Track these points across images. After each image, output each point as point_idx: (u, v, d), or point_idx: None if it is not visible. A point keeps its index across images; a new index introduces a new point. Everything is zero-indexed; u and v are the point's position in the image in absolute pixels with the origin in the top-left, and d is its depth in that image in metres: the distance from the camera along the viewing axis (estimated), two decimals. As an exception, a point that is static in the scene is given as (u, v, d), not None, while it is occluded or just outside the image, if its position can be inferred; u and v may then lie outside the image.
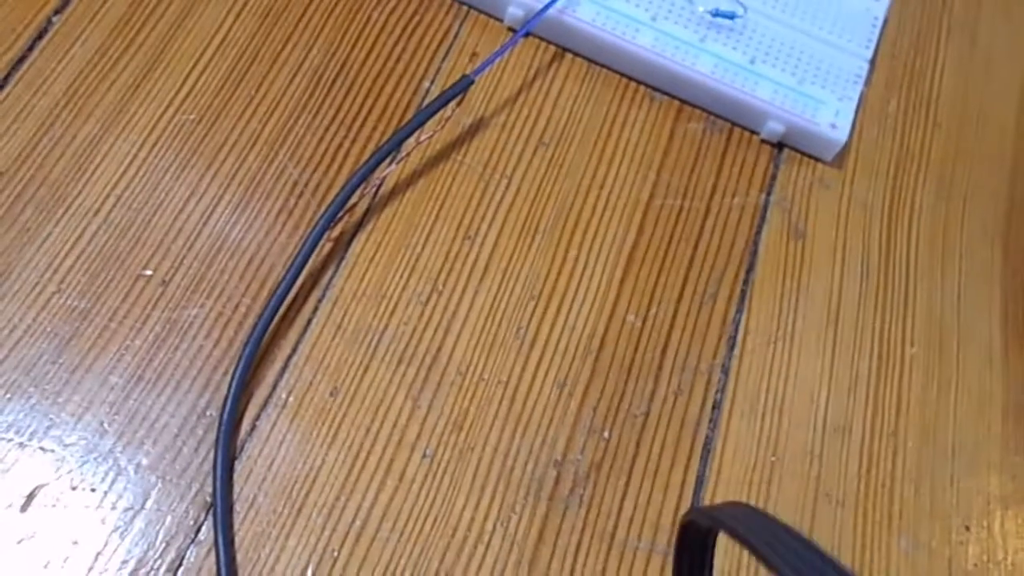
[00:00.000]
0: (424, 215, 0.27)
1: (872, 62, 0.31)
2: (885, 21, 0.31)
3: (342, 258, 0.26)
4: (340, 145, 0.28)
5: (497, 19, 0.30)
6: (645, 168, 0.29)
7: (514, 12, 0.30)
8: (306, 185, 0.27)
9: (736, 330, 0.27)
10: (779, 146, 0.30)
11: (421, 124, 0.27)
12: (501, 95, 0.30)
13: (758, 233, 0.29)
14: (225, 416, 0.23)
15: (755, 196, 0.29)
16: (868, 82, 0.31)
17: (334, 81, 0.29)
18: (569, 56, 0.30)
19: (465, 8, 0.31)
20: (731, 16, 0.29)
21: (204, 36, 0.28)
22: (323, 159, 0.27)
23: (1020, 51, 0.34)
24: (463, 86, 0.27)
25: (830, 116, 0.29)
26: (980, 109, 0.32)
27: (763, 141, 0.30)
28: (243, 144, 0.27)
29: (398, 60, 0.29)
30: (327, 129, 0.28)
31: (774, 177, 0.30)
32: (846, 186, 0.30)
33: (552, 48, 0.30)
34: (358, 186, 0.25)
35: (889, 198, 0.30)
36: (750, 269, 0.28)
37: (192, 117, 0.27)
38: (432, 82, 0.29)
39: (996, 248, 0.30)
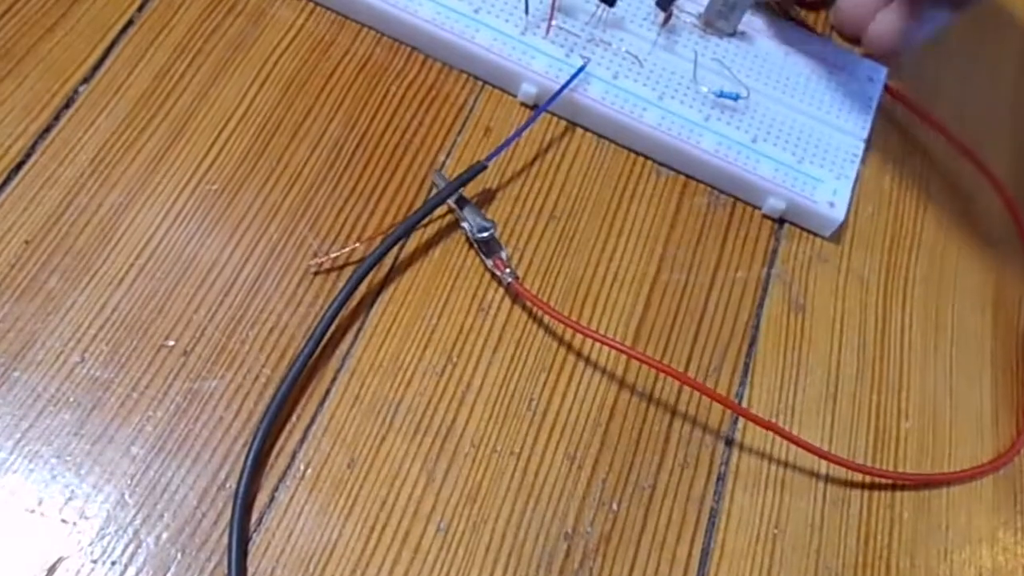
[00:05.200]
0: (439, 287, 0.28)
1: (868, 141, 0.32)
2: (880, 102, 0.33)
3: (360, 329, 0.27)
4: (359, 217, 0.28)
5: (511, 94, 0.31)
6: (652, 242, 0.30)
7: (527, 89, 0.31)
8: (326, 255, 0.27)
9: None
10: (780, 221, 0.31)
11: (431, 210, 0.28)
12: (514, 167, 0.30)
13: (760, 307, 0.30)
14: (240, 493, 0.24)
15: (757, 270, 0.30)
16: (864, 160, 0.32)
17: (353, 153, 0.29)
18: (580, 130, 0.31)
19: (480, 82, 0.32)
20: (734, 97, 0.31)
21: (228, 107, 0.29)
22: (342, 230, 0.28)
23: (1006, 127, 0.36)
24: (475, 172, 0.28)
25: (828, 194, 0.30)
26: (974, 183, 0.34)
27: (765, 216, 0.31)
28: (264, 215, 0.28)
29: (415, 133, 0.30)
30: (347, 200, 0.29)
31: (775, 251, 0.31)
32: (843, 260, 0.31)
33: (563, 122, 0.32)
34: (373, 266, 0.26)
35: (885, 272, 0.31)
36: (752, 343, 0.29)
37: (215, 187, 0.28)
38: (448, 155, 0.30)
39: (986, 320, 0.32)
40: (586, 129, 0.31)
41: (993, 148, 0.35)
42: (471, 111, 0.31)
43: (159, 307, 0.26)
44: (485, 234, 0.28)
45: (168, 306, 0.26)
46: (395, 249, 0.28)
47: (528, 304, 0.28)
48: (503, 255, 0.28)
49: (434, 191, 0.29)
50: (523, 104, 0.31)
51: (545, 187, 0.30)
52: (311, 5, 0.32)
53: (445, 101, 0.31)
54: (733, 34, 0.32)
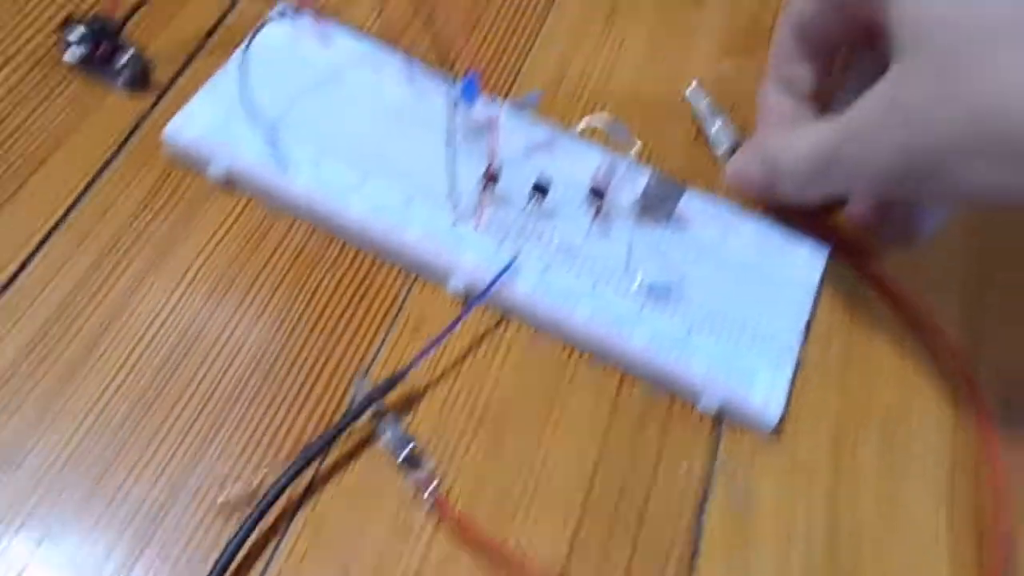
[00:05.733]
0: (359, 510, 0.27)
1: (808, 323, 0.31)
2: (820, 285, 0.32)
3: (268, 565, 0.25)
4: (276, 433, 0.27)
5: (442, 286, 0.31)
6: (588, 441, 0.29)
7: (456, 284, 0.30)
8: (238, 478, 0.26)
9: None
10: (718, 416, 0.30)
11: (340, 432, 0.27)
12: (444, 364, 0.30)
13: (702, 509, 0.28)
14: None
15: (699, 467, 0.29)
16: (807, 335, 0.31)
17: (275, 360, 0.29)
18: (514, 322, 0.31)
19: (413, 275, 0.31)
20: (668, 287, 0.30)
21: (149, 313, 0.29)
22: (256, 451, 0.27)
23: (956, 278, 0.35)
24: (393, 382, 0.27)
25: (763, 391, 0.29)
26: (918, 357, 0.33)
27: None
28: (175, 437, 0.27)
29: (343, 334, 0.30)
30: (263, 415, 0.28)
31: (716, 445, 0.29)
32: (788, 450, 0.30)
33: (497, 314, 0.31)
34: (282, 492, 0.25)
35: (833, 459, 0.30)
36: (695, 552, 0.27)
37: (123, 407, 0.27)
38: (375, 357, 0.29)
39: (941, 512, 0.29)
40: (518, 322, 0.31)
41: (945, 302, 0.34)
42: (402, 306, 0.31)
43: (60, 540, 0.25)
44: (406, 451, 0.27)
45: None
46: (312, 468, 0.27)
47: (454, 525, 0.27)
48: (427, 469, 0.27)
49: (359, 399, 0.28)
50: (453, 298, 0.31)
51: (476, 387, 0.29)
52: (244, 199, 0.32)
53: (376, 296, 0.31)
54: (668, 220, 0.32)
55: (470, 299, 0.30)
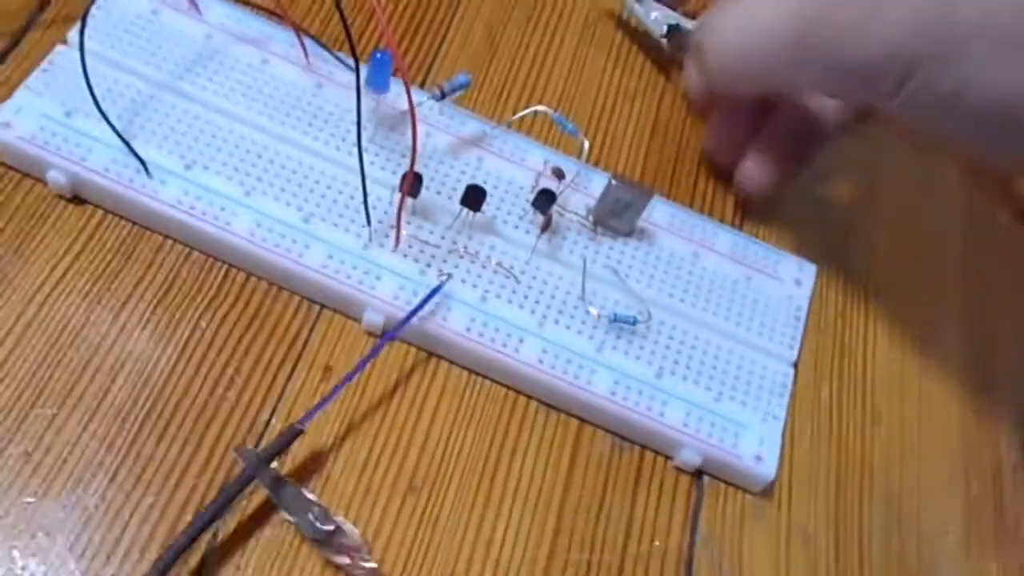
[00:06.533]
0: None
1: (797, 361, 0.27)
2: (808, 311, 0.27)
3: None
4: (141, 524, 0.21)
5: (355, 319, 0.25)
6: (543, 509, 0.23)
7: (372, 318, 0.24)
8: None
9: None
10: (699, 473, 0.25)
11: (230, 500, 0.21)
12: (361, 411, 0.24)
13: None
14: None
15: (677, 537, 0.24)
16: (795, 374, 0.27)
17: (144, 421, 0.22)
18: (444, 364, 0.25)
19: (318, 306, 0.25)
20: (632, 321, 0.24)
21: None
22: (118, 544, 0.21)
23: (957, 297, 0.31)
24: (288, 439, 0.21)
25: (754, 444, 0.24)
26: (920, 393, 0.28)
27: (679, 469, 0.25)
28: (12, 522, 0.20)
29: (230, 384, 0.23)
30: (128, 496, 0.21)
31: (698, 509, 0.24)
32: (782, 514, 0.25)
33: (423, 352, 0.25)
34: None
35: (834, 523, 0.25)
36: (678, 646, 0.23)
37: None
38: (274, 412, 0.23)
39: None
40: (451, 363, 0.25)
41: (945, 321, 0.30)
42: (306, 345, 0.24)
43: None
44: (329, 527, 0.21)
45: None
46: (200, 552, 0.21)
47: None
48: (352, 542, 0.21)
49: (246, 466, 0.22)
50: (368, 333, 0.25)
51: (403, 443, 0.24)
52: (98, 213, 0.25)
53: (272, 334, 0.24)
54: (630, 234, 0.26)
55: (386, 334, 0.24)
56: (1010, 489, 0.27)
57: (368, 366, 0.24)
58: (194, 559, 0.21)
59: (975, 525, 0.26)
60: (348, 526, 0.21)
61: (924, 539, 0.25)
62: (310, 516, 0.21)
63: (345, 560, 0.21)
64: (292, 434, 0.22)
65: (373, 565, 0.21)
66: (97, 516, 0.21)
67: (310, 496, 0.21)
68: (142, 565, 0.20)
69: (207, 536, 0.21)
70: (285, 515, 0.21)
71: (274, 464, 0.22)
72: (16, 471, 0.21)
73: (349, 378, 0.23)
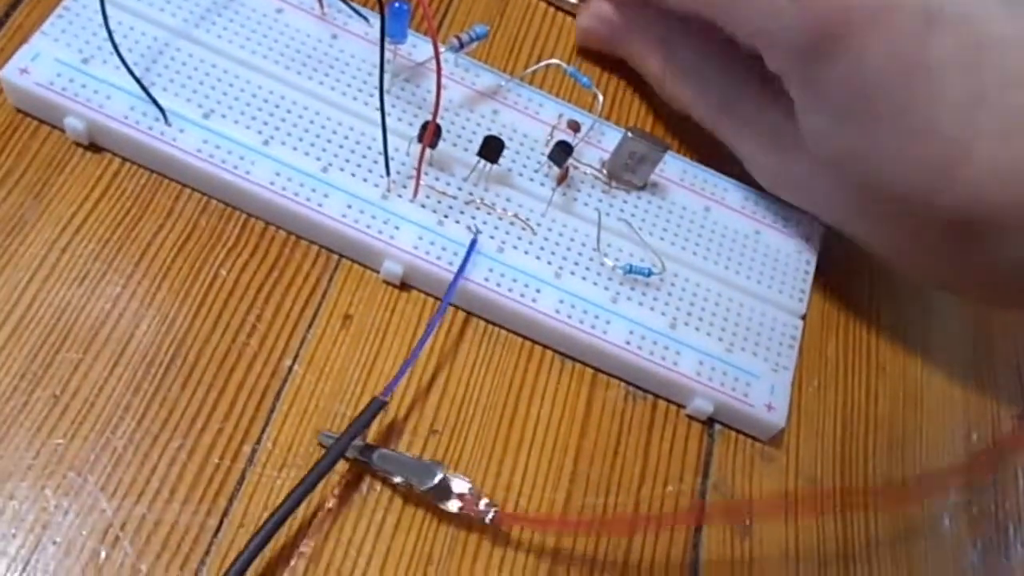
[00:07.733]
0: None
1: (805, 314, 0.27)
2: (816, 265, 0.28)
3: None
4: (170, 466, 0.21)
5: (375, 270, 0.25)
6: (560, 455, 0.24)
7: (391, 268, 0.24)
8: (122, 530, 0.20)
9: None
10: (711, 421, 0.26)
11: (322, 476, 0.21)
12: (383, 361, 0.24)
13: (698, 532, 0.24)
14: None
15: (690, 481, 0.25)
16: (804, 330, 0.27)
17: (167, 369, 0.22)
18: (461, 314, 0.25)
19: (336, 255, 0.25)
20: (646, 273, 0.25)
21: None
22: (147, 487, 0.21)
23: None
24: (373, 412, 0.22)
25: (765, 394, 0.25)
26: (923, 344, 0.29)
27: (691, 416, 0.26)
28: (40, 468, 0.21)
29: (252, 331, 0.23)
30: (156, 440, 0.22)
31: (709, 455, 0.25)
32: (790, 459, 0.26)
33: (437, 303, 0.25)
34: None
35: (839, 467, 0.26)
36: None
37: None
38: (295, 359, 0.23)
39: (959, 521, 0.26)
40: (469, 313, 0.26)
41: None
42: (325, 294, 0.25)
43: None
44: (436, 479, 0.21)
45: None
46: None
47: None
48: (464, 487, 0.22)
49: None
50: (386, 282, 0.25)
51: (422, 390, 0.24)
52: (116, 161, 0.25)
53: (291, 284, 0.25)
54: (644, 187, 0.27)
55: (411, 283, 0.25)
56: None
57: (390, 315, 0.25)
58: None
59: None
60: (450, 473, 0.22)
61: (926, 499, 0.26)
62: (413, 473, 0.22)
63: (458, 505, 0.21)
64: (376, 407, 0.22)
65: (487, 501, 0.22)
66: (127, 457, 0.21)
67: (406, 454, 0.22)
68: (173, 504, 0.21)
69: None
70: (395, 478, 0.22)
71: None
72: (44, 414, 0.21)
73: (420, 345, 0.23)
